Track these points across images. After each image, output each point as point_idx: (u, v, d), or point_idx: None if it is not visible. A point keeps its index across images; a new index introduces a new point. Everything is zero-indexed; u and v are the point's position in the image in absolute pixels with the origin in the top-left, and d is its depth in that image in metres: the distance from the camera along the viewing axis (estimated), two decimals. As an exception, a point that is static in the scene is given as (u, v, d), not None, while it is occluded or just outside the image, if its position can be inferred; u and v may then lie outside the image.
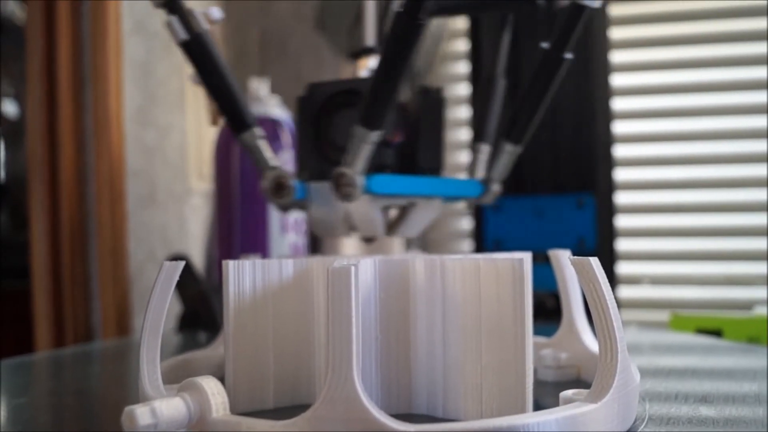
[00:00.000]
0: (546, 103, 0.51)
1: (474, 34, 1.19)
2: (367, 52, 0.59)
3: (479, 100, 0.60)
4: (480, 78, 1.21)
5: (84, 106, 1.10)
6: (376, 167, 0.46)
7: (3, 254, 1.68)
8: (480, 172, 0.56)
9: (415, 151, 0.50)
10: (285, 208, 0.50)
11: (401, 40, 0.39)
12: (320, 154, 0.48)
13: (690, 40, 1.36)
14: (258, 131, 0.45)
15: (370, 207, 0.47)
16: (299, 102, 0.50)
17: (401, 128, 0.50)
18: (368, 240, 0.53)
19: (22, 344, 1.05)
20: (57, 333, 1.08)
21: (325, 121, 0.48)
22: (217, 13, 0.47)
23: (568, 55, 0.48)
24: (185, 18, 0.43)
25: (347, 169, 0.43)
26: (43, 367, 0.63)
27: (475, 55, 1.20)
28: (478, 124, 0.59)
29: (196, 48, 0.43)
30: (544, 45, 0.49)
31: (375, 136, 0.42)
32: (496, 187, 0.56)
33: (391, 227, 0.52)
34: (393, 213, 0.55)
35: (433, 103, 0.51)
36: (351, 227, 0.49)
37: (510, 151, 0.54)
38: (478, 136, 0.57)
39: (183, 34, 0.43)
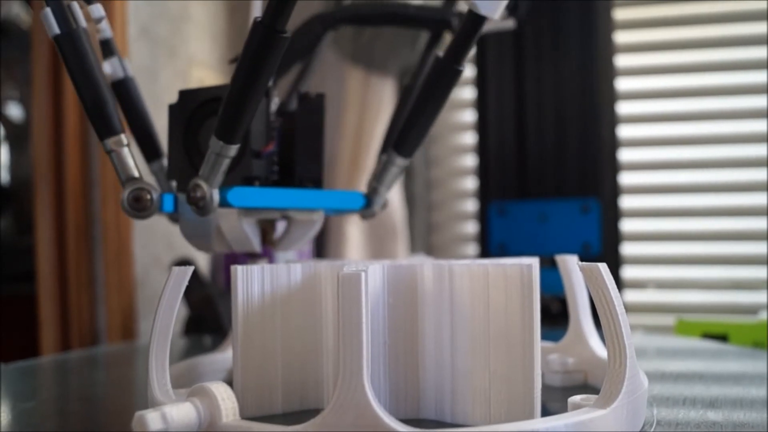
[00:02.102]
0: (437, 115, 0.48)
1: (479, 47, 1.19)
2: None
3: (394, 111, 0.57)
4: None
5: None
6: (244, 179, 0.44)
7: (6, 259, 1.68)
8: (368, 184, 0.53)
9: (291, 161, 0.47)
10: (174, 220, 0.48)
11: (258, 53, 0.37)
12: (190, 164, 0.45)
13: (696, 44, 1.36)
14: (124, 139, 0.41)
15: (240, 221, 0.44)
16: (169, 110, 0.47)
17: (276, 138, 0.47)
18: (252, 256, 0.50)
19: (24, 350, 1.06)
20: (62, 337, 1.08)
21: (194, 129, 0.46)
22: (98, 11, 0.46)
23: (462, 67, 0.45)
24: (62, 12, 0.40)
25: (202, 182, 0.40)
26: (49, 371, 0.64)
27: (480, 56, 1.20)
28: (387, 135, 0.56)
29: (67, 45, 0.41)
30: (439, 54, 0.46)
31: (231, 150, 0.40)
32: (381, 200, 0.52)
33: (274, 241, 0.50)
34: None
35: (311, 110, 0.48)
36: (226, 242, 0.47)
37: (399, 165, 0.50)
38: (384, 147, 0.54)
39: (56, 29, 0.40)
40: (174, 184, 0.47)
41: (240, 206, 0.43)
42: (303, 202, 0.47)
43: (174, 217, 0.47)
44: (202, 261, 1.24)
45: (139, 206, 0.41)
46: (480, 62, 1.20)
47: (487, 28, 0.46)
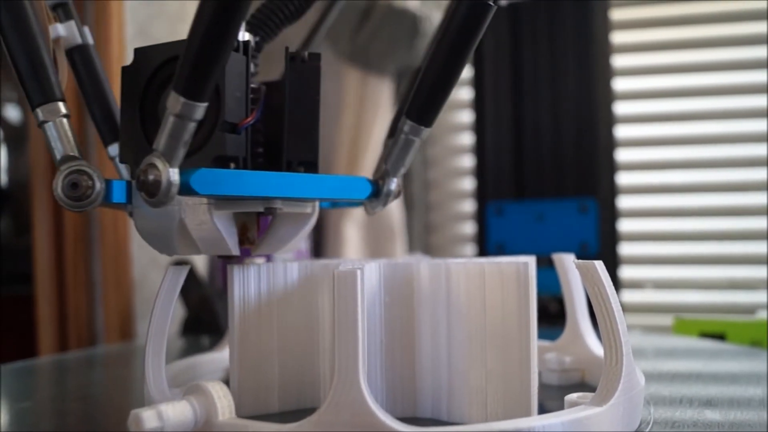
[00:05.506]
0: (463, 67, 0.36)
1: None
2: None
3: (400, 95, 0.46)
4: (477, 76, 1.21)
5: (87, 112, 1.11)
6: (216, 159, 0.33)
7: (4, 260, 1.68)
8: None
9: (279, 138, 0.36)
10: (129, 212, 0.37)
11: None
12: (147, 141, 0.34)
13: (692, 44, 1.36)
14: (62, 107, 0.32)
15: (210, 215, 0.33)
16: (122, 73, 0.37)
17: (256, 107, 0.36)
18: (227, 258, 0.38)
19: (22, 351, 1.05)
20: (60, 337, 1.08)
21: (154, 97, 0.35)
22: None
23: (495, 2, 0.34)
24: None
25: (157, 160, 0.29)
26: (46, 371, 0.64)
27: (477, 56, 1.20)
28: (394, 120, 0.44)
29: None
30: None
31: (198, 110, 0.29)
32: (392, 186, 0.39)
33: (255, 241, 0.38)
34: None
35: (304, 73, 0.37)
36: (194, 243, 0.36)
37: (411, 132, 0.37)
38: (391, 133, 0.43)
39: None
40: (128, 168, 0.38)
41: (207, 194, 0.31)
42: (292, 189, 0.35)
43: (131, 210, 0.36)
44: (200, 261, 1.24)
45: (77, 194, 0.31)
46: (477, 63, 1.20)
47: None
